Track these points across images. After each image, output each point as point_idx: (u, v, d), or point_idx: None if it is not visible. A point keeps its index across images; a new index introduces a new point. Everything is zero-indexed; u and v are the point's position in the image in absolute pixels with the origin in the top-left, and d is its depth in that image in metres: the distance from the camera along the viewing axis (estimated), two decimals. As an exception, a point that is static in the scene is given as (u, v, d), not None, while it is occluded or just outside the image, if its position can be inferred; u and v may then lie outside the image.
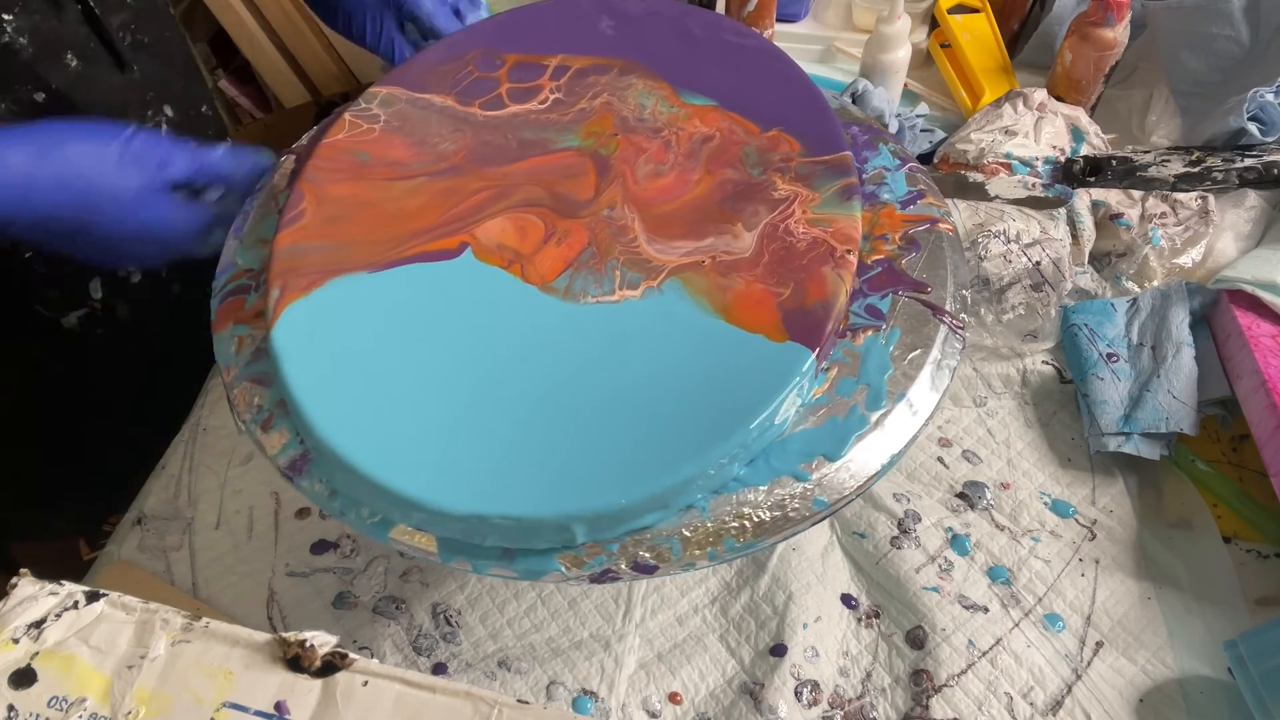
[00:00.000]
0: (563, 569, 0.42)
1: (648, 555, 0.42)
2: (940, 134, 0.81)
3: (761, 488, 0.42)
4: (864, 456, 0.43)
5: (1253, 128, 0.72)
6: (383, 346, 0.46)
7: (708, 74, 0.56)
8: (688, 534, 0.42)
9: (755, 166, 0.52)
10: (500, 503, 0.41)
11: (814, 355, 0.44)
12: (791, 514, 0.42)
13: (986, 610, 0.57)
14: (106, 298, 0.70)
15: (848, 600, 0.58)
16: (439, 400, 0.44)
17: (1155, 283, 0.70)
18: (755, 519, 0.42)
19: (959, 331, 0.48)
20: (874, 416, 0.44)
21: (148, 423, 0.72)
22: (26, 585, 0.37)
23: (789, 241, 0.48)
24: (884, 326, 0.47)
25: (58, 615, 0.36)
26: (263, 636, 0.36)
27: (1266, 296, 0.62)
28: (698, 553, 0.42)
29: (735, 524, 0.42)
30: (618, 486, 0.41)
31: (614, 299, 0.47)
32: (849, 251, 0.47)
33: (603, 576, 0.42)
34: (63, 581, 0.37)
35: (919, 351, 0.46)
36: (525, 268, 0.48)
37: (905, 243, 0.51)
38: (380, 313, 0.47)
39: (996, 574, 0.58)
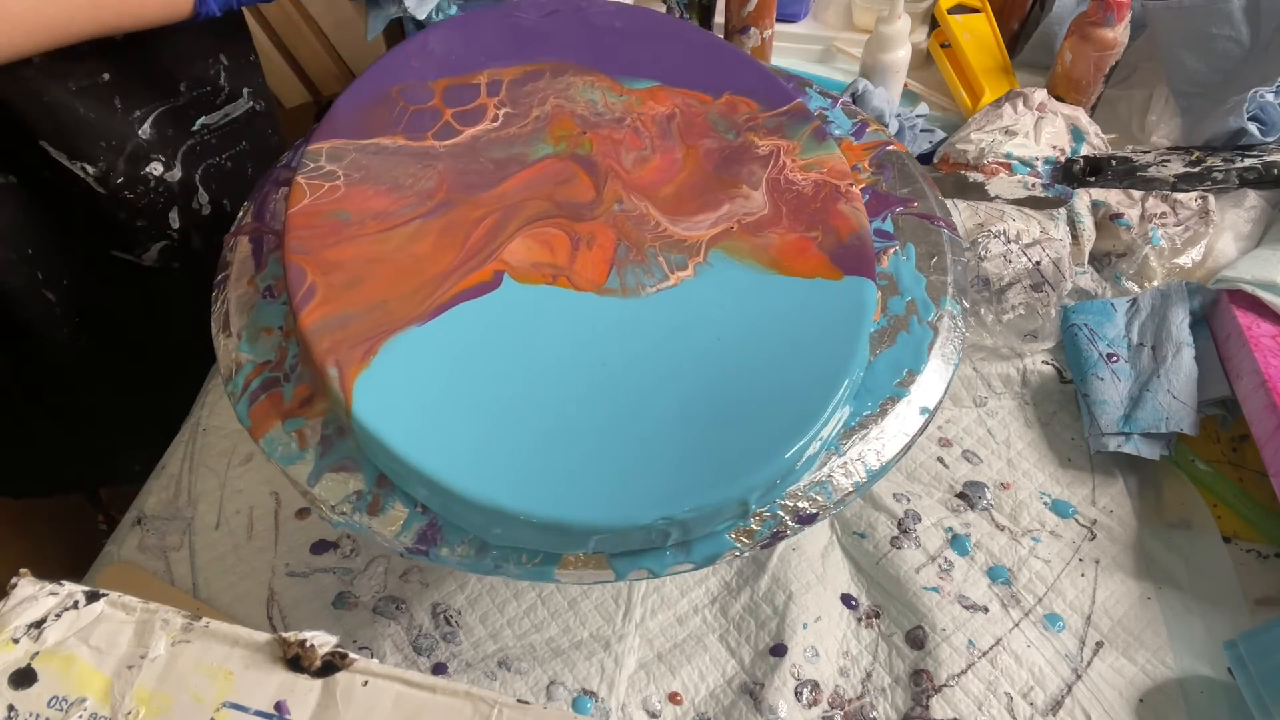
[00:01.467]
0: (737, 544, 0.43)
1: (806, 505, 0.44)
2: (940, 134, 0.81)
3: (874, 413, 0.46)
4: (937, 361, 0.48)
5: (1253, 128, 0.72)
6: (474, 391, 0.44)
7: (636, 57, 0.58)
8: (833, 474, 0.45)
9: (728, 131, 0.54)
10: (683, 498, 0.41)
11: (874, 283, 0.48)
12: (907, 429, 0.46)
13: (986, 610, 0.57)
14: (183, 227, 0.73)
15: (848, 600, 0.58)
16: (565, 423, 0.43)
17: (1155, 283, 0.70)
18: (880, 441, 0.45)
19: (955, 232, 0.54)
20: (930, 322, 0.49)
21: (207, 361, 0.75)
22: (26, 585, 0.37)
23: (795, 190, 0.52)
24: (897, 245, 0.52)
25: (58, 615, 0.36)
26: (263, 636, 0.36)
27: (1266, 296, 0.62)
28: (846, 488, 0.44)
29: (870, 452, 0.45)
30: (777, 447, 0.42)
31: (671, 283, 0.48)
32: (851, 185, 0.52)
33: (773, 539, 0.44)
34: (63, 581, 0.37)
35: (936, 257, 0.52)
36: (571, 278, 0.48)
37: (875, 168, 0.57)
38: (452, 360, 0.45)
39: (996, 574, 0.58)
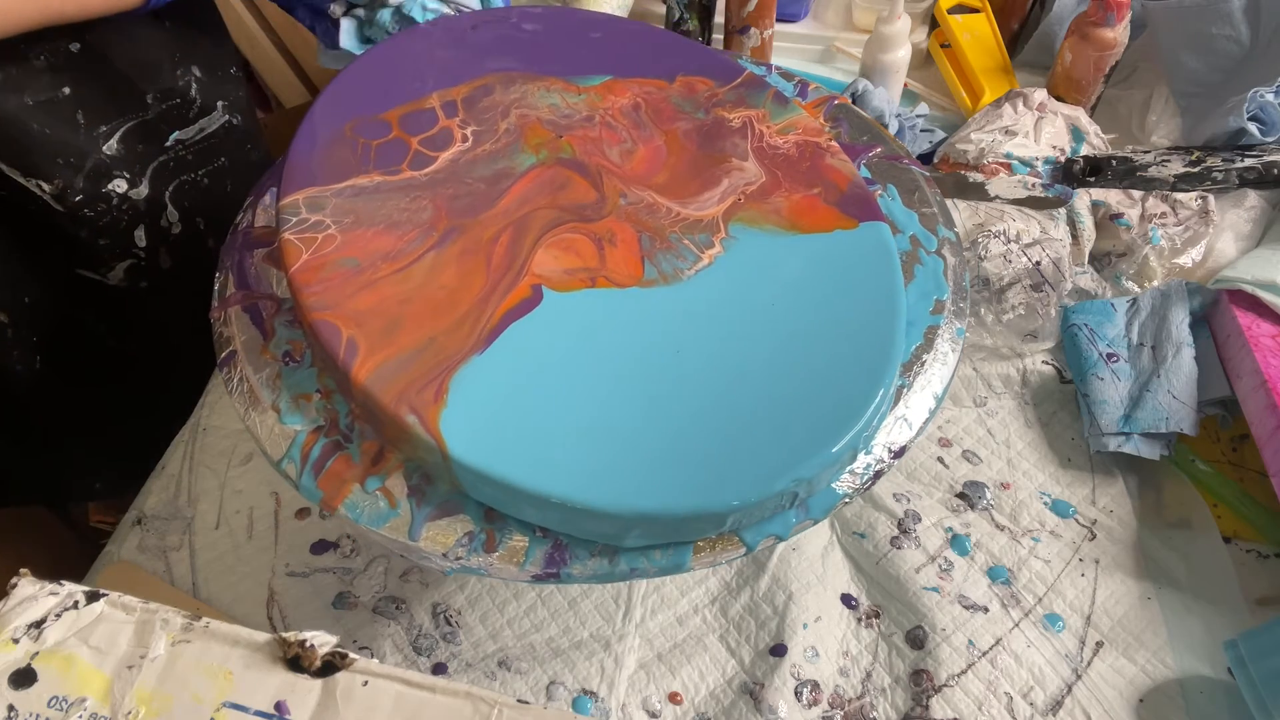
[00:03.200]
0: (845, 492, 0.44)
1: (896, 439, 0.46)
2: (940, 134, 0.81)
3: (921, 344, 0.49)
4: (954, 285, 0.52)
5: (1253, 128, 0.72)
6: (563, 404, 0.43)
7: (578, 56, 0.58)
8: (908, 406, 0.47)
9: (696, 110, 0.56)
10: (807, 457, 0.42)
11: (887, 223, 0.51)
12: (954, 352, 0.49)
13: (986, 610, 0.57)
14: (150, 245, 0.72)
15: (848, 600, 0.58)
16: (668, 414, 0.43)
17: (1155, 283, 0.70)
18: (935, 366, 0.48)
19: (923, 168, 0.58)
20: (937, 252, 0.53)
21: (184, 381, 0.74)
22: (26, 585, 0.37)
23: (781, 154, 0.54)
24: (879, 187, 0.55)
25: (58, 615, 0.36)
26: (263, 636, 0.36)
27: (1266, 296, 0.62)
28: (923, 415, 0.47)
29: (933, 378, 0.48)
30: (870, 387, 0.44)
31: (706, 262, 0.49)
32: (830, 140, 0.55)
33: (875, 479, 0.45)
34: (63, 581, 0.37)
35: (916, 192, 0.56)
36: (609, 277, 0.48)
37: (832, 122, 0.60)
38: (525, 380, 0.44)
39: (996, 574, 0.58)
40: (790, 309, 0.47)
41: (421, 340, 0.45)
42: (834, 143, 0.55)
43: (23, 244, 0.67)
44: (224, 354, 0.50)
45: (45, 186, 0.64)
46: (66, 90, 0.63)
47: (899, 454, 0.46)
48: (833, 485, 0.44)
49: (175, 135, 0.71)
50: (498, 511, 0.43)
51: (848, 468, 0.45)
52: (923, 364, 0.48)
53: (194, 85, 0.72)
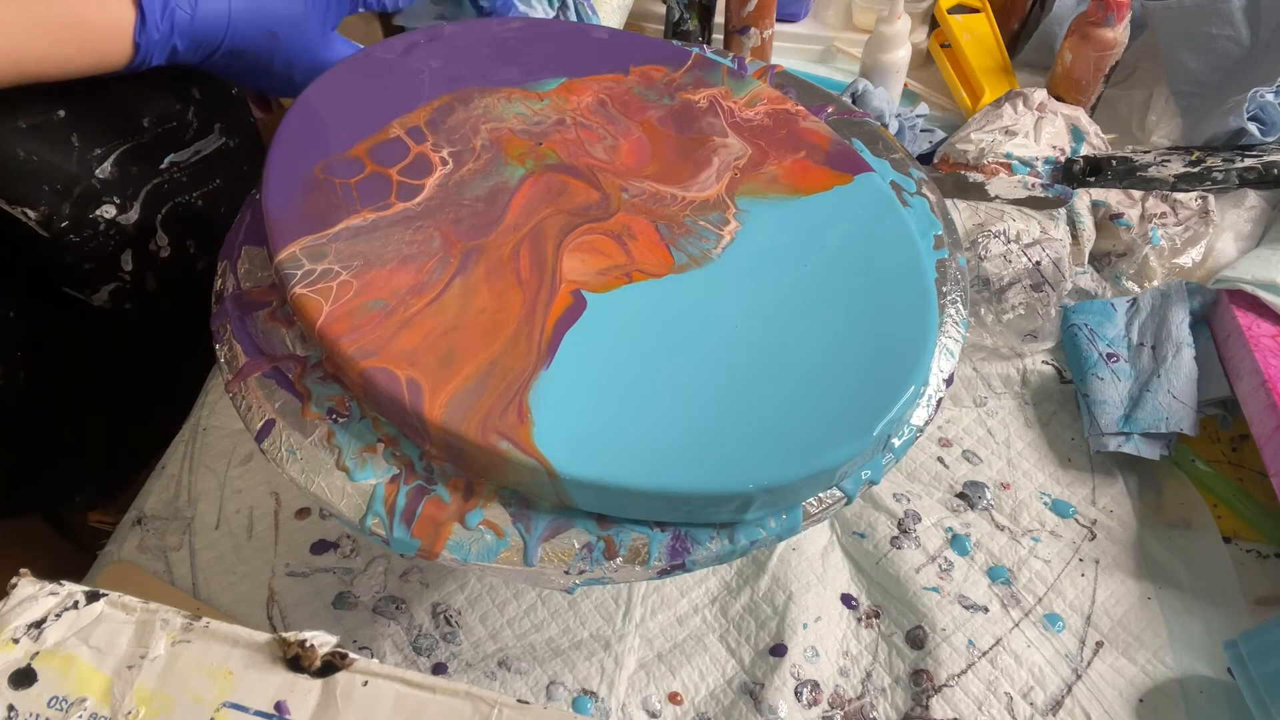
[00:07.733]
0: (919, 426, 0.46)
1: (945, 367, 0.48)
2: (940, 134, 0.81)
3: (937, 277, 0.51)
4: (942, 219, 0.54)
5: (1253, 128, 0.72)
6: (650, 400, 0.43)
7: (525, 63, 0.59)
8: (948, 334, 0.50)
9: (661, 97, 0.57)
10: (890, 401, 0.43)
11: (874, 173, 0.54)
12: (964, 279, 0.52)
13: (986, 610, 0.57)
14: (136, 269, 0.70)
15: (848, 600, 0.58)
16: (752, 386, 0.44)
17: (1155, 283, 0.70)
18: (954, 295, 0.51)
19: (881, 120, 0.60)
20: (917, 193, 0.55)
21: (175, 403, 0.73)
22: (26, 585, 0.37)
23: (757, 126, 0.56)
24: (846, 142, 0.57)
25: (58, 615, 0.36)
26: (263, 636, 0.36)
27: (1266, 296, 0.62)
28: (957, 340, 0.50)
29: (954, 308, 0.51)
30: (926, 320, 0.46)
31: (728, 239, 0.50)
32: (796, 105, 0.57)
33: (938, 407, 0.48)
34: (63, 581, 0.37)
35: (880, 142, 0.59)
36: (643, 270, 0.48)
37: (781, 89, 0.61)
38: (601, 384, 0.43)
39: (996, 574, 0.58)
40: (824, 266, 0.48)
41: (483, 366, 0.43)
42: (799, 107, 0.57)
43: (7, 263, 0.66)
44: (260, 425, 0.46)
45: (30, 213, 0.62)
46: (61, 113, 0.62)
47: (949, 380, 0.48)
48: (910, 421, 0.46)
49: (170, 158, 0.69)
50: (611, 518, 0.42)
51: (916, 403, 0.46)
52: (944, 295, 0.50)
53: (191, 108, 0.70)
